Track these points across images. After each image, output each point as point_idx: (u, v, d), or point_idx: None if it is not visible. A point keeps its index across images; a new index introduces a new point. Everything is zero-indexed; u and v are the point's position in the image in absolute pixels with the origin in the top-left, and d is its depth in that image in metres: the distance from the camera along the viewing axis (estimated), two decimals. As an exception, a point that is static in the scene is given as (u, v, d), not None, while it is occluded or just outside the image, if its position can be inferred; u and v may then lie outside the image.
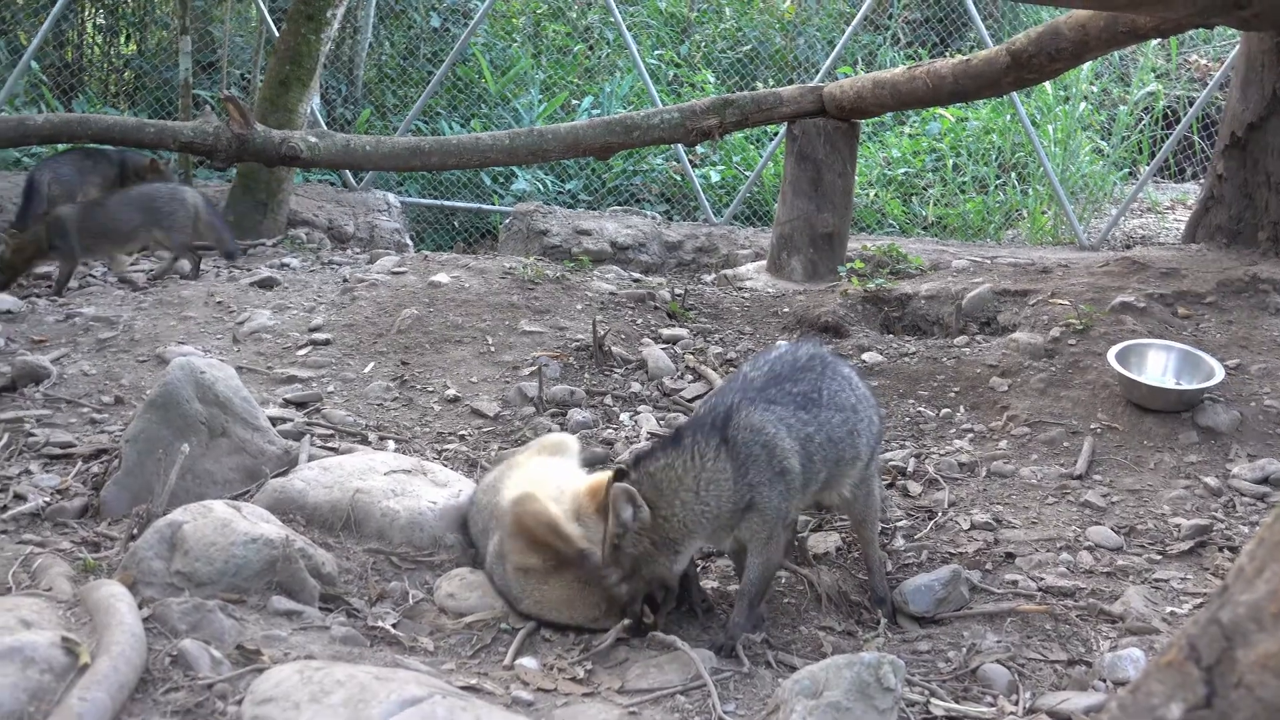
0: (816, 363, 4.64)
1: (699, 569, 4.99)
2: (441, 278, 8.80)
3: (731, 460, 4.14)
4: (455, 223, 15.91)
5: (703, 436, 4.16)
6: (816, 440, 4.37)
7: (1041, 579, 4.99)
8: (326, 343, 7.72)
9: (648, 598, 4.37)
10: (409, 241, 14.09)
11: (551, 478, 4.77)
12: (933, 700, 3.94)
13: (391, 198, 14.37)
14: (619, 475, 4.19)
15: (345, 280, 9.07)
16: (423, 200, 15.49)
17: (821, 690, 3.50)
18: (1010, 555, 5.24)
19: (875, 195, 15.50)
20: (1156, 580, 4.96)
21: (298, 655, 3.68)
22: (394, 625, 4.27)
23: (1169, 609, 4.62)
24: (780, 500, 4.23)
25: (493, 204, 15.59)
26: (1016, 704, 3.99)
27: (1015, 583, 4.96)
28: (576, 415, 6.78)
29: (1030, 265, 9.35)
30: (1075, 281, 8.32)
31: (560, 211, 14.04)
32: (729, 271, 11.56)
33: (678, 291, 9.24)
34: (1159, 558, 5.19)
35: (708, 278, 11.77)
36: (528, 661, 4.10)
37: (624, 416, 6.92)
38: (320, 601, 4.30)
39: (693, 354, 7.87)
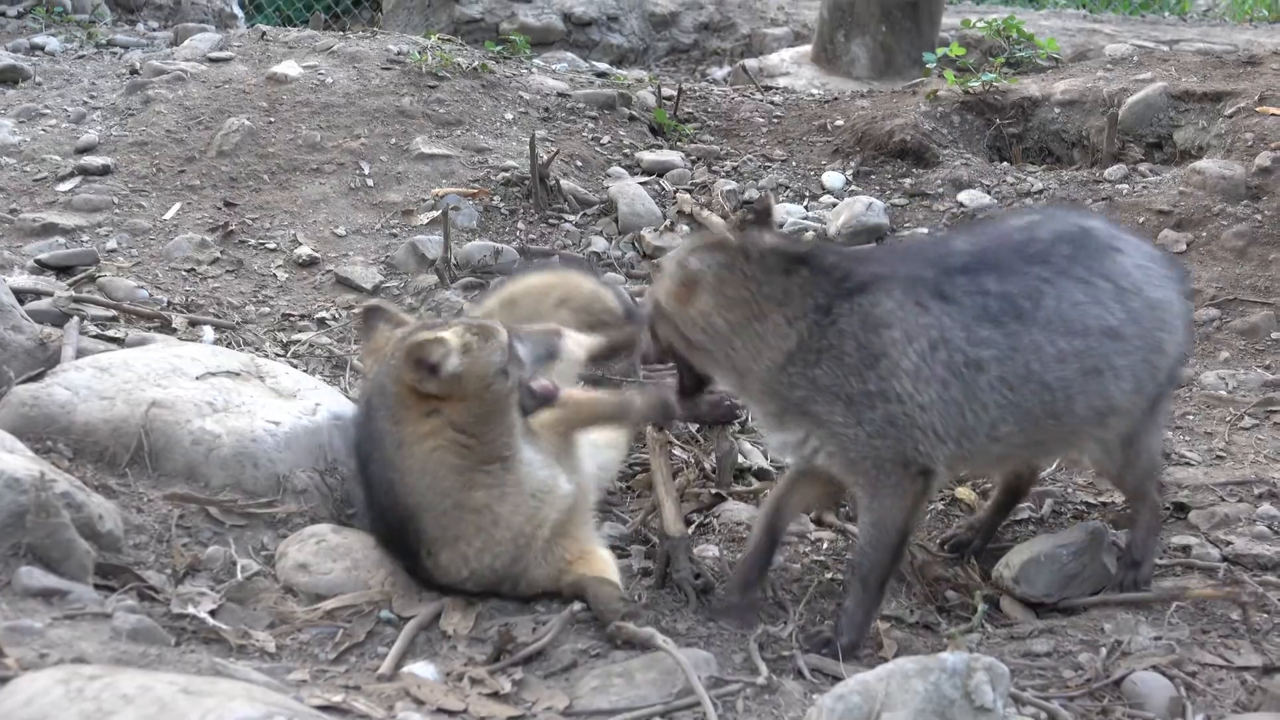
0: (1064, 247, 4.53)
1: (694, 526, 5.04)
2: (289, 69, 8.69)
3: (820, 338, 4.37)
4: (313, -19, 15.71)
5: (820, 279, 4.43)
6: (991, 374, 4.38)
7: (1228, 543, 5.03)
8: (105, 171, 7.66)
9: None
10: (238, 11, 13.91)
11: None
12: (1053, 726, 4.01)
13: (209, -60, 14.15)
14: None
15: (135, 72, 8.95)
16: (260, -55, 15.27)
17: (878, 710, 3.56)
18: (1181, 507, 5.30)
19: (987, -59, 15.35)
20: None
21: (62, 657, 3.70)
22: (212, 613, 4.29)
23: None
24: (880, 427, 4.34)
25: (373, -49, 15.37)
26: (1182, 731, 4.07)
27: (1187, 549, 5.02)
28: (504, 288, 6.78)
29: (1230, 54, 9.30)
30: (1300, 79, 8.31)
31: (482, -36, 13.86)
32: (752, 62, 11.49)
33: (668, 93, 9.17)
34: None
35: (718, 71, 11.69)
36: (422, 669, 4.13)
37: (579, 290, 6.91)
38: (97, 576, 4.31)
39: (690, 192, 7.86)
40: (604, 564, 4.64)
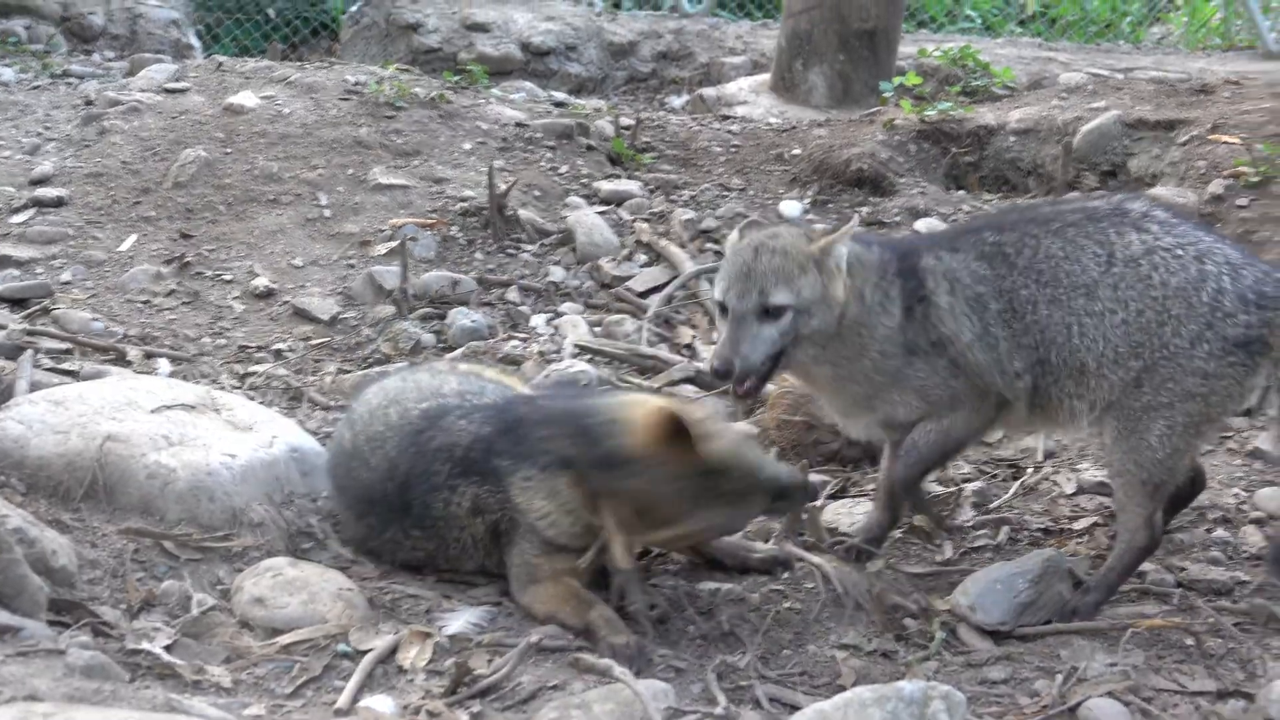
0: (1076, 216, 4.95)
1: (649, 557, 5.06)
2: (246, 99, 8.69)
3: (891, 298, 5.00)
4: (270, 11, 15.71)
5: (895, 259, 5.05)
6: (992, 309, 4.90)
7: (1182, 569, 5.08)
8: (59, 203, 7.63)
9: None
10: (195, 41, 13.91)
11: None
12: (1009, 754, 4.04)
13: (167, -29, 14.15)
14: None
15: (90, 103, 8.94)
16: (217, -25, 15.28)
17: (836, 740, 3.57)
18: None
19: (944, -30, 15.46)
20: (1362, 570, 5.07)
21: (14, 695, 3.69)
22: (167, 648, 4.28)
23: (1378, 613, 4.74)
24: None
25: (331, -18, 15.39)
26: (1138, 758, 4.10)
27: (1142, 576, 5.05)
28: (463, 318, 6.79)
29: (1183, 82, 9.38)
30: (1252, 107, 8.36)
31: (440, -7, 13.89)
32: (710, 91, 11.53)
33: (626, 123, 9.20)
34: (1367, 536, 5.31)
35: (676, 100, 11.73)
36: (379, 702, 4.13)
37: (537, 320, 6.92)
38: (50, 612, 4.30)
39: (648, 221, 7.87)
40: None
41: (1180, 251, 4.73)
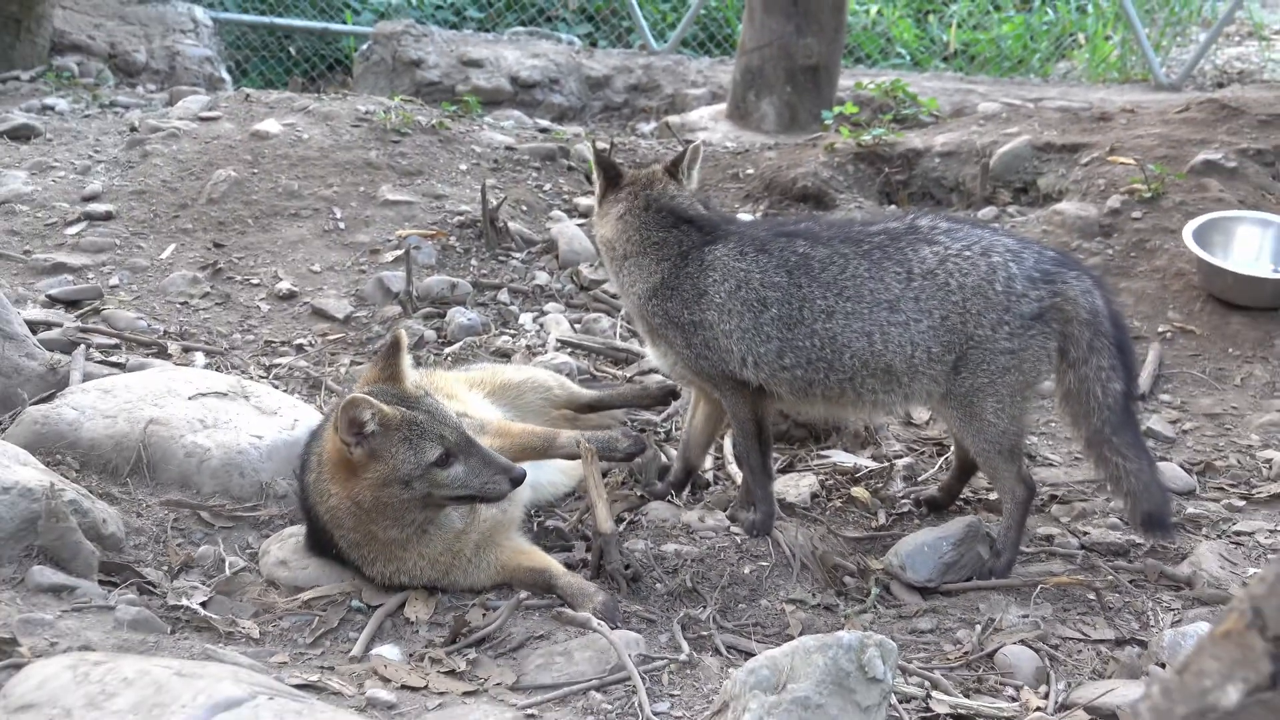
0: (880, 238, 4.98)
1: (624, 524, 5.08)
2: (270, 126, 8.69)
3: (675, 278, 5.04)
4: (291, 49, 15.66)
5: (693, 234, 5.09)
6: (771, 312, 4.91)
7: (1085, 533, 5.13)
8: (108, 217, 7.63)
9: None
10: (225, 75, 13.85)
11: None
12: (935, 693, 4.06)
13: (200, 13, 14.09)
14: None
15: (134, 129, 8.92)
16: (245, 17, 15.21)
17: (784, 682, 3.58)
18: (1045, 501, 5.37)
19: (878, 13, 15.47)
20: (1238, 534, 5.12)
21: (70, 646, 3.71)
22: (204, 604, 4.31)
23: (1252, 570, 4.77)
24: (686, 349, 5.01)
25: (344, 23, 15.34)
26: (1046, 697, 4.12)
27: (1050, 539, 5.11)
28: (460, 316, 6.81)
29: (1085, 110, 9.43)
30: (1145, 133, 8.42)
31: (440, 34, 13.87)
32: (675, 119, 11.54)
33: (602, 146, 9.20)
34: (1242, 504, 5.35)
35: (645, 127, 11.74)
36: (388, 651, 4.17)
37: (525, 318, 6.94)
38: (101, 573, 4.33)
39: (621, 232, 7.90)
40: (539, 556, 4.69)
41: (968, 253, 4.88)
